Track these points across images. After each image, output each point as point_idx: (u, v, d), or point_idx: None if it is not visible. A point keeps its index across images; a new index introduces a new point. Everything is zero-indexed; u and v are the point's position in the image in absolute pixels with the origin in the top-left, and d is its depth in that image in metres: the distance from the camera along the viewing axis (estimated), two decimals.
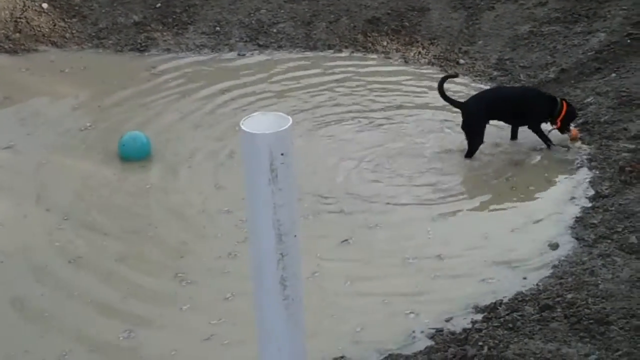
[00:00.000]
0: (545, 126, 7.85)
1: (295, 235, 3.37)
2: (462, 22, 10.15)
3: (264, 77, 9.50)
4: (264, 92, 9.15)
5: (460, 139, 7.89)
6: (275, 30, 10.33)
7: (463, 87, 8.96)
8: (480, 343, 5.01)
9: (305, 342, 3.63)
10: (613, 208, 6.51)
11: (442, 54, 9.75)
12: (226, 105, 8.85)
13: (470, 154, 7.64)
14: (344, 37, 10.16)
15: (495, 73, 9.24)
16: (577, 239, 6.30)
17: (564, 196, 7.02)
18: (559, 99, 7.75)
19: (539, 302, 5.35)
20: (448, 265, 6.19)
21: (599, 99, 8.15)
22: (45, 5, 10.52)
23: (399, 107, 8.77)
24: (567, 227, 6.51)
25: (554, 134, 7.80)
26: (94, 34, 10.34)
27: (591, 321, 4.96)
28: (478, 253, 6.32)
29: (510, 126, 7.94)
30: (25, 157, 7.84)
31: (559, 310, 5.17)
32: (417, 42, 10.00)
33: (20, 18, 10.31)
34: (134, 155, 7.72)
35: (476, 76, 9.26)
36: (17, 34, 10.17)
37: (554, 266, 6.01)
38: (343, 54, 9.97)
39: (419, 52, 9.85)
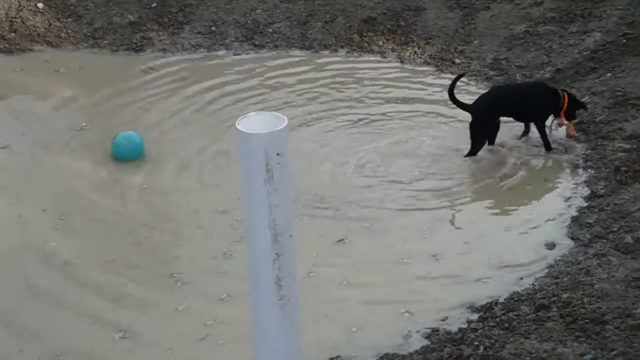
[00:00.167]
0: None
1: (290, 235, 3.37)
2: (458, 21, 10.16)
3: (260, 77, 9.49)
4: (260, 92, 9.14)
5: (456, 139, 7.90)
6: (271, 30, 10.32)
7: (459, 86, 8.94)
8: (476, 343, 5.01)
9: (301, 342, 3.63)
10: (609, 208, 6.52)
11: (437, 54, 9.75)
12: (222, 105, 8.84)
13: (472, 153, 7.65)
14: (339, 37, 10.16)
15: (491, 73, 9.25)
16: (572, 238, 6.30)
17: (560, 196, 7.03)
18: (560, 91, 7.76)
19: (535, 302, 5.35)
20: (444, 265, 6.19)
21: (594, 98, 8.16)
22: (40, 5, 10.51)
23: (395, 106, 8.76)
24: (563, 227, 6.51)
25: (553, 134, 7.82)
26: (89, 34, 10.33)
27: (587, 321, 4.96)
28: (474, 253, 6.32)
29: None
30: (20, 157, 7.82)
31: (554, 309, 5.18)
32: (413, 41, 10.00)
33: (15, 18, 10.30)
34: (128, 156, 7.71)
35: (472, 76, 9.26)
36: (13, 34, 10.16)
37: (550, 266, 6.01)
38: (339, 54, 9.96)
39: (415, 52, 9.85)
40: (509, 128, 7.98)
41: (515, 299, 5.55)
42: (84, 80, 9.43)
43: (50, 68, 9.70)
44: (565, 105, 7.66)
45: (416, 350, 5.21)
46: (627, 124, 7.60)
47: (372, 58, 9.87)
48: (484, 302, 5.64)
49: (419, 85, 9.21)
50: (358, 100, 8.94)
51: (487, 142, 7.74)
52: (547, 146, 7.69)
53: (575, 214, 6.65)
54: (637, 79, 8.18)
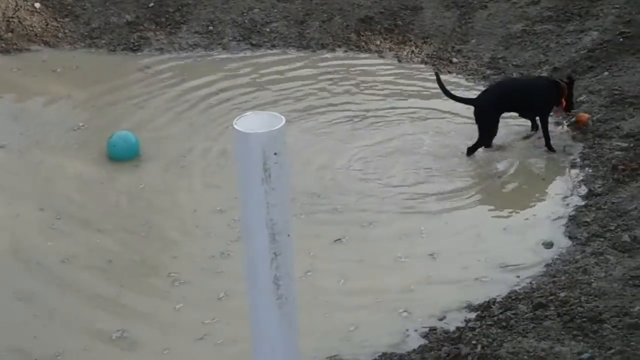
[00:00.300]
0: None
1: (288, 235, 3.37)
2: (455, 20, 10.16)
3: (257, 76, 9.49)
4: (257, 91, 9.13)
5: (454, 137, 7.92)
6: (268, 30, 10.32)
7: (455, 86, 8.96)
8: (474, 342, 5.01)
9: (299, 342, 3.63)
10: (606, 206, 6.52)
11: (435, 53, 9.75)
12: (219, 105, 8.84)
13: (477, 146, 7.65)
14: (337, 36, 10.15)
15: (488, 72, 9.25)
16: (570, 237, 6.31)
17: (557, 195, 7.03)
18: (559, 82, 7.80)
19: (533, 301, 5.36)
20: (441, 265, 6.20)
21: (591, 97, 8.17)
22: (37, 5, 10.49)
23: (392, 105, 8.76)
24: (561, 226, 6.52)
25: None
26: (86, 34, 10.32)
27: (584, 319, 4.97)
28: (471, 252, 6.32)
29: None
30: (17, 157, 7.82)
31: (552, 308, 5.18)
32: (410, 41, 10.00)
33: (12, 17, 10.28)
34: (124, 156, 7.70)
35: (469, 75, 9.27)
36: (10, 34, 10.15)
37: (547, 265, 6.02)
38: (336, 53, 9.96)
39: (412, 51, 9.85)
40: (508, 128, 7.99)
41: (513, 297, 5.55)
42: (81, 80, 9.42)
43: (47, 68, 9.69)
44: (566, 93, 7.70)
45: (414, 350, 5.22)
46: (625, 123, 7.60)
47: (369, 57, 9.86)
48: (481, 301, 5.64)
49: (416, 84, 9.21)
50: (355, 99, 8.94)
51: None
52: (548, 143, 7.68)
53: (573, 212, 6.66)
54: (634, 77, 8.18)
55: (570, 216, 6.61)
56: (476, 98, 7.83)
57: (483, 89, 8.70)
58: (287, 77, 9.45)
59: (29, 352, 5.37)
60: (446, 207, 6.99)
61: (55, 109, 8.77)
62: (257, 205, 3.27)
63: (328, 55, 9.94)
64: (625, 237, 5.97)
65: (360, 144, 7.98)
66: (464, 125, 8.12)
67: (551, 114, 7.89)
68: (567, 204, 6.83)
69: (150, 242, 6.59)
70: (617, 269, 5.57)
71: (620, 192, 6.67)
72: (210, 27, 10.36)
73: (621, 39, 8.89)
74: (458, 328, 5.36)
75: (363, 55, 9.92)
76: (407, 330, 5.47)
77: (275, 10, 10.54)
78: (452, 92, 7.89)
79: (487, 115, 7.66)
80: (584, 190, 6.97)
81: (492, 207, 7.03)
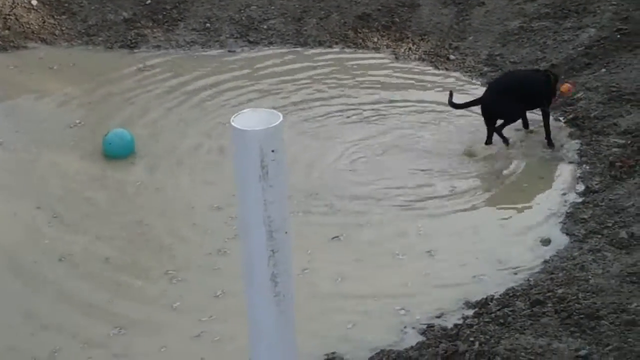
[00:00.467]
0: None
1: (286, 232, 3.37)
2: (453, 17, 10.15)
3: (254, 73, 9.48)
4: (254, 88, 9.12)
5: (452, 135, 7.92)
6: (265, 27, 10.31)
7: (452, 84, 8.97)
8: (472, 338, 5.01)
9: (296, 339, 3.63)
10: (603, 203, 6.53)
11: (432, 50, 9.75)
12: (216, 102, 8.83)
13: (499, 129, 7.71)
14: (334, 33, 10.15)
15: (485, 69, 9.25)
16: (567, 234, 6.31)
17: (555, 192, 7.04)
18: (552, 73, 7.94)
19: (530, 298, 5.36)
20: (439, 262, 6.20)
21: (589, 94, 8.17)
22: (34, 2, 10.47)
23: (390, 102, 8.76)
24: (558, 223, 6.52)
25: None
26: (83, 31, 10.30)
27: (582, 316, 4.97)
28: (469, 249, 6.32)
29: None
30: (14, 154, 7.81)
31: (549, 305, 5.18)
32: (408, 38, 10.00)
33: (9, 15, 10.26)
34: (120, 153, 7.69)
35: (466, 72, 9.27)
36: (6, 31, 10.13)
37: (545, 261, 6.03)
38: (333, 50, 9.95)
39: (410, 48, 9.85)
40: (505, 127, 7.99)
41: (511, 294, 5.56)
42: (78, 77, 9.40)
43: (44, 65, 9.67)
44: (557, 81, 7.84)
45: (412, 346, 5.22)
46: (622, 120, 7.60)
47: (366, 54, 9.86)
48: (479, 298, 5.65)
49: (413, 81, 9.20)
50: (352, 96, 8.93)
51: (488, 137, 7.74)
52: (549, 136, 7.71)
53: (570, 209, 6.66)
54: (632, 74, 8.18)
55: (567, 213, 6.62)
56: (482, 97, 7.84)
57: (480, 85, 8.72)
58: (284, 75, 9.43)
59: (25, 351, 5.36)
60: (443, 204, 6.98)
61: (52, 106, 8.76)
62: (254, 203, 3.26)
63: (325, 52, 9.93)
64: (623, 234, 5.97)
65: (358, 141, 7.97)
66: (462, 122, 8.13)
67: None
68: (565, 201, 6.83)
69: (146, 240, 6.58)
70: (615, 265, 5.57)
71: (617, 189, 6.67)
72: (208, 24, 10.34)
73: (618, 36, 8.89)
74: (456, 325, 5.36)
75: (360, 52, 9.91)
76: (404, 327, 5.47)
77: (273, 8, 10.53)
78: (452, 92, 7.94)
79: (499, 102, 7.69)
80: (581, 187, 6.97)
81: (490, 205, 7.03)
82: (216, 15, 10.45)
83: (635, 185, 6.61)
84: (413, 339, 5.33)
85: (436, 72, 9.36)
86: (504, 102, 7.67)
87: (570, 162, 7.39)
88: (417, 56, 9.72)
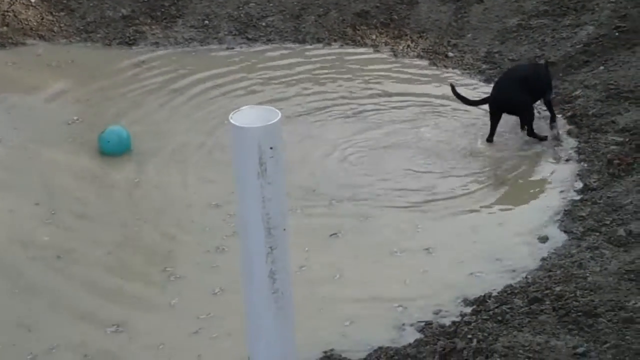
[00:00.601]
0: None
1: (284, 229, 3.37)
2: (451, 15, 10.15)
3: (253, 70, 9.47)
4: (252, 86, 9.12)
5: (450, 131, 7.92)
6: (264, 24, 10.30)
7: (451, 82, 8.95)
8: (470, 336, 5.01)
9: (295, 335, 3.63)
10: (601, 201, 6.53)
11: (430, 47, 9.74)
12: (215, 99, 8.82)
13: (530, 131, 7.76)
14: (333, 30, 10.14)
15: (484, 66, 9.24)
16: (565, 231, 6.31)
17: (553, 189, 7.03)
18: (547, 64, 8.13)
19: (528, 295, 5.36)
20: (437, 259, 6.20)
21: (587, 92, 8.16)
22: None
23: (388, 99, 8.75)
24: (556, 220, 6.52)
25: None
26: (82, 28, 10.29)
27: (579, 314, 4.97)
28: (467, 246, 6.32)
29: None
30: (11, 151, 7.80)
31: (547, 303, 5.18)
32: (406, 35, 9.99)
33: (7, 11, 10.25)
34: (117, 151, 7.68)
35: (465, 69, 9.26)
36: (5, 28, 10.11)
37: (543, 259, 6.03)
38: (332, 47, 9.94)
39: (408, 46, 9.84)
40: (503, 122, 7.98)
41: (509, 292, 5.56)
42: (77, 74, 9.39)
43: (42, 62, 9.65)
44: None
45: (410, 344, 5.22)
46: (620, 117, 7.60)
47: (365, 51, 9.85)
48: (477, 296, 5.65)
49: (412, 78, 9.20)
50: (351, 93, 8.92)
51: (490, 133, 7.75)
52: (553, 124, 7.85)
53: (568, 207, 6.66)
54: (630, 72, 8.18)
55: (565, 210, 6.62)
56: (490, 96, 7.85)
57: (478, 82, 8.73)
58: (282, 72, 9.42)
59: (23, 346, 5.36)
60: (441, 202, 6.98)
61: (50, 103, 8.74)
62: (253, 200, 3.27)
63: (324, 49, 9.92)
64: (621, 232, 5.98)
65: (356, 138, 7.97)
66: (461, 119, 8.13)
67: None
68: (563, 199, 6.83)
69: (145, 237, 6.58)
70: (613, 263, 5.58)
71: (615, 186, 6.67)
72: (206, 21, 10.34)
73: (617, 33, 8.89)
74: (454, 322, 5.36)
75: (359, 49, 9.91)
76: (402, 324, 5.47)
77: (271, 5, 10.52)
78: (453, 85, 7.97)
79: (514, 96, 7.71)
80: (579, 184, 6.97)
81: (488, 202, 7.02)
82: (214, 12, 10.44)
83: (634, 182, 6.62)
84: (411, 336, 5.33)
85: (435, 69, 9.35)
86: (519, 95, 7.70)
87: (568, 160, 7.39)
88: (415, 53, 9.71)
